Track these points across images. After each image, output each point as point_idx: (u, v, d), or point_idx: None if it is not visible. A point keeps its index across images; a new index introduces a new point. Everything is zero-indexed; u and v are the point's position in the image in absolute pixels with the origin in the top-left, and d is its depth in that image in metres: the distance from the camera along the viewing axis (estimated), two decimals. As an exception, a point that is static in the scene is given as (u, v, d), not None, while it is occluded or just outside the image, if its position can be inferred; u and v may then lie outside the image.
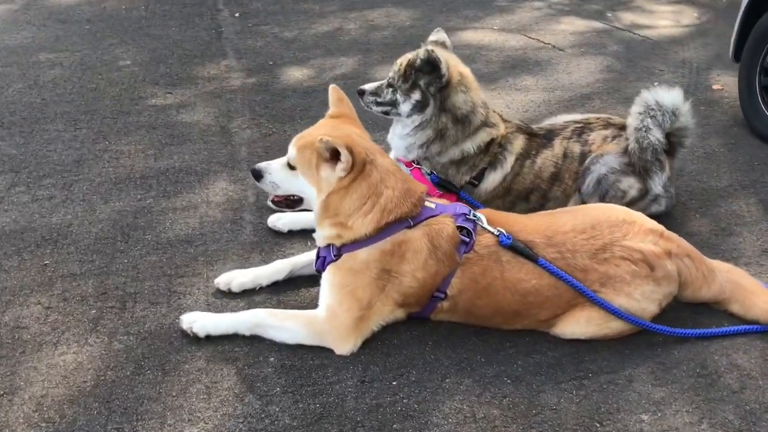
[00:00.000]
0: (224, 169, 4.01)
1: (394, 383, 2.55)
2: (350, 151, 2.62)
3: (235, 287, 3.00)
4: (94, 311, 2.87)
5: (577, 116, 3.78)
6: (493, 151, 3.52)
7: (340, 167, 2.66)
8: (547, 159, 3.54)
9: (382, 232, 2.70)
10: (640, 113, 3.49)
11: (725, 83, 5.34)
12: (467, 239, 2.73)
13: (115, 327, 2.79)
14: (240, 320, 2.76)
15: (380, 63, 5.60)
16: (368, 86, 3.58)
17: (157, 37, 6.16)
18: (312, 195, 2.78)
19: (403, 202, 2.72)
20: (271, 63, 5.64)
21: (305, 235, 3.36)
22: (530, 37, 6.36)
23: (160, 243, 3.32)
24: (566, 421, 2.42)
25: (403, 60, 3.47)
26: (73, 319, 2.83)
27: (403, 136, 3.56)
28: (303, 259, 3.11)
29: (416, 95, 3.43)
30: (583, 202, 3.45)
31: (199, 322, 2.75)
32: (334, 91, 2.98)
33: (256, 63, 5.63)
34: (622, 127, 3.57)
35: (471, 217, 2.78)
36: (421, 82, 3.40)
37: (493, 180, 3.54)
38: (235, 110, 4.78)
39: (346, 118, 2.93)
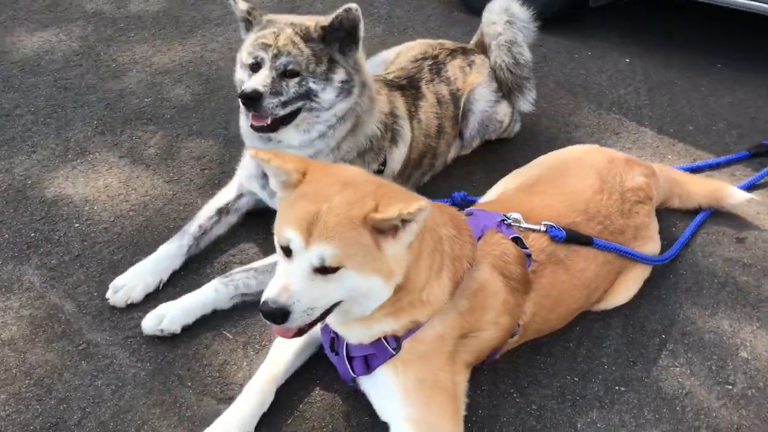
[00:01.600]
0: None
1: None
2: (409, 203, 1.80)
3: None
4: None
5: (411, 52, 3.30)
6: (389, 123, 2.89)
7: (411, 230, 1.85)
8: (428, 112, 3.08)
9: (456, 289, 2.09)
10: (509, 22, 3.31)
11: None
12: (527, 251, 2.27)
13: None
14: None
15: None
16: (256, 85, 2.49)
17: None
18: (376, 289, 1.89)
19: (461, 237, 2.11)
20: None
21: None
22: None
23: None
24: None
25: (295, 31, 2.55)
26: None
27: (311, 141, 2.66)
28: (288, 360, 2.33)
29: (340, 74, 2.61)
30: (462, 148, 3.38)
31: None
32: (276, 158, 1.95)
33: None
34: (467, 51, 3.36)
35: (507, 221, 2.31)
36: (338, 56, 2.61)
37: (399, 157, 2.95)
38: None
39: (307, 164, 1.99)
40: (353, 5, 2.53)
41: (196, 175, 3.32)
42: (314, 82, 2.58)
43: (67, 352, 2.46)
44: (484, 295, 2.14)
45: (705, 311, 2.68)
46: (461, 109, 3.28)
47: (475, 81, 3.30)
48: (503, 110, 3.42)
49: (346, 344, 2.12)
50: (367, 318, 1.99)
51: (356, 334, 2.07)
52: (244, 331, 2.56)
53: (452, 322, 2.10)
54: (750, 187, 3.30)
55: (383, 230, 1.84)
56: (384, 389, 2.08)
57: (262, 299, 1.85)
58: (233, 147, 3.47)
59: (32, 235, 2.94)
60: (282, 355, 2.35)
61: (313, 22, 2.63)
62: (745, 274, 2.84)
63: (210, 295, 2.58)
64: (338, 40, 2.60)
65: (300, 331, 1.95)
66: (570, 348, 2.52)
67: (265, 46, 2.56)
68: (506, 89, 3.38)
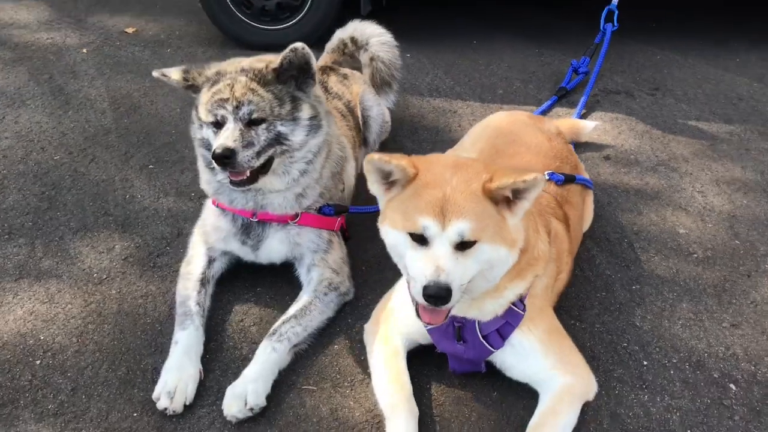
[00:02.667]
0: None
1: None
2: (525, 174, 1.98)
3: None
4: None
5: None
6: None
7: (530, 198, 2.01)
8: (342, 127, 3.11)
9: (550, 239, 2.34)
10: (381, 32, 3.71)
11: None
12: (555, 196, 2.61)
13: None
14: None
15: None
16: (227, 143, 2.38)
17: None
18: (503, 258, 2.04)
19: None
20: None
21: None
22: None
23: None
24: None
25: (249, 77, 2.48)
26: None
27: (294, 180, 2.61)
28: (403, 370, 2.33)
29: (306, 111, 2.56)
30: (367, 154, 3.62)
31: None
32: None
33: None
34: (332, 68, 3.55)
35: None
36: (299, 93, 2.57)
37: (351, 172, 3.04)
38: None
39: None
40: (299, 44, 2.49)
41: (114, 264, 2.96)
42: (282, 125, 2.51)
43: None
44: (558, 240, 2.42)
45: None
46: (361, 117, 3.43)
47: (359, 91, 3.48)
48: (386, 111, 3.69)
49: (478, 325, 2.22)
50: (496, 289, 2.14)
51: (489, 309, 2.20)
52: (320, 377, 2.45)
53: (551, 271, 2.35)
54: (581, 116, 4.09)
55: (500, 202, 2.01)
56: (523, 352, 2.24)
57: (422, 284, 1.92)
58: (134, 227, 3.15)
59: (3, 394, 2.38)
60: (393, 370, 2.33)
61: (262, 63, 2.56)
62: (614, 177, 3.56)
63: (272, 356, 2.41)
64: (293, 78, 2.55)
65: (447, 315, 2.05)
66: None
67: (223, 102, 2.46)
68: (378, 83, 3.66)
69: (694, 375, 2.44)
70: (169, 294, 2.77)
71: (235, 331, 2.64)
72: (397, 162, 2.02)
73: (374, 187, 2.13)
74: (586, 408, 2.28)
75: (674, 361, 2.49)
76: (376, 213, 2.20)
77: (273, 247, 2.72)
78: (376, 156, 2.02)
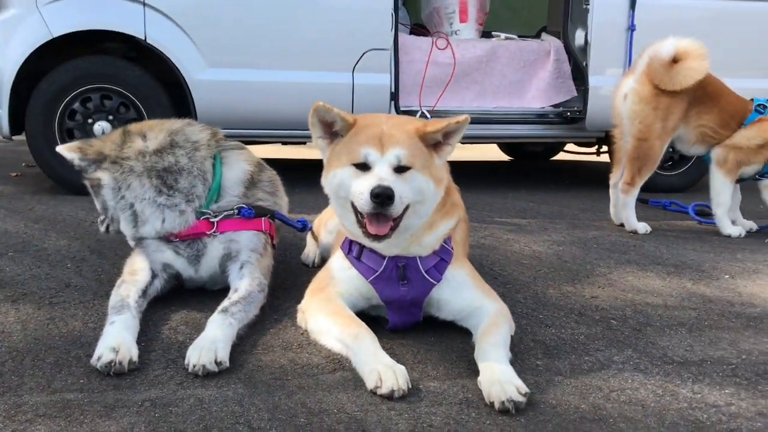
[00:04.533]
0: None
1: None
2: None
3: None
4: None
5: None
6: None
7: (454, 142, 2.47)
8: None
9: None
10: None
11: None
12: None
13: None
14: None
15: None
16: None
17: None
18: (432, 191, 2.40)
19: None
20: None
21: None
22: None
23: None
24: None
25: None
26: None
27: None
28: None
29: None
30: None
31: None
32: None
33: None
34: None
35: None
36: None
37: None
38: None
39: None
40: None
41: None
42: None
43: None
44: (457, 194, 2.71)
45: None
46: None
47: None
48: None
49: (420, 261, 2.49)
50: (430, 225, 2.49)
51: (428, 243, 2.50)
52: (267, 345, 2.48)
53: (465, 229, 2.78)
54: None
55: (428, 146, 2.43)
56: (457, 285, 2.53)
57: (369, 191, 2.23)
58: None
59: None
60: (342, 314, 2.48)
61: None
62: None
63: (229, 328, 2.42)
64: None
65: (391, 230, 2.33)
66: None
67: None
68: None
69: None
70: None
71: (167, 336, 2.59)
72: (338, 111, 2.42)
73: (319, 141, 2.49)
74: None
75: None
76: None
77: (211, 254, 2.82)
78: (320, 103, 2.41)
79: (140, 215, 2.78)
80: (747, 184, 4.77)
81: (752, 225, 4.77)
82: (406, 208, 2.35)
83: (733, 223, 4.66)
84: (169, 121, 3.00)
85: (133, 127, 2.94)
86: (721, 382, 2.30)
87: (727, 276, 3.56)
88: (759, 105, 4.45)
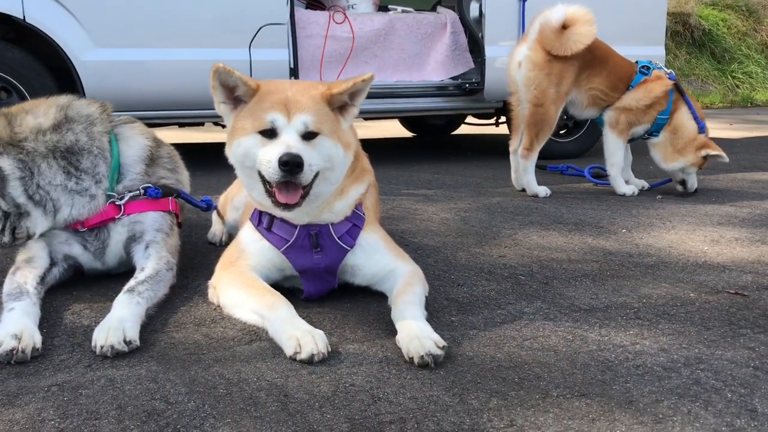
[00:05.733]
0: None
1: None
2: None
3: None
4: None
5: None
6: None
7: (358, 103, 2.45)
8: None
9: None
10: None
11: None
12: None
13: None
14: None
15: None
16: None
17: None
18: (341, 156, 2.37)
19: None
20: None
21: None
22: None
23: None
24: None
25: None
26: None
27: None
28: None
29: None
30: None
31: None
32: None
33: None
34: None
35: None
36: None
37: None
38: None
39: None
40: None
41: None
42: None
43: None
44: (366, 160, 2.72)
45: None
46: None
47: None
48: None
49: (332, 228, 2.48)
50: (341, 192, 2.47)
51: (340, 210, 2.48)
52: (180, 322, 2.40)
53: (375, 194, 2.78)
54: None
55: (333, 109, 2.40)
56: (370, 249, 2.53)
57: (277, 159, 2.18)
58: None
59: None
60: (255, 285, 2.43)
61: None
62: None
63: (137, 307, 2.31)
64: None
65: (301, 199, 2.30)
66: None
67: None
68: None
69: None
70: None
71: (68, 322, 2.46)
72: (240, 74, 2.35)
73: (221, 107, 2.41)
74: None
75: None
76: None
77: (115, 239, 2.68)
78: (220, 65, 2.32)
79: (55, 204, 2.56)
80: (636, 146, 5.02)
81: (644, 183, 5.02)
82: (316, 175, 2.32)
83: (627, 182, 4.89)
84: (51, 97, 2.75)
85: (13, 108, 2.65)
86: (626, 325, 2.41)
87: (624, 230, 3.74)
88: (643, 67, 4.68)
